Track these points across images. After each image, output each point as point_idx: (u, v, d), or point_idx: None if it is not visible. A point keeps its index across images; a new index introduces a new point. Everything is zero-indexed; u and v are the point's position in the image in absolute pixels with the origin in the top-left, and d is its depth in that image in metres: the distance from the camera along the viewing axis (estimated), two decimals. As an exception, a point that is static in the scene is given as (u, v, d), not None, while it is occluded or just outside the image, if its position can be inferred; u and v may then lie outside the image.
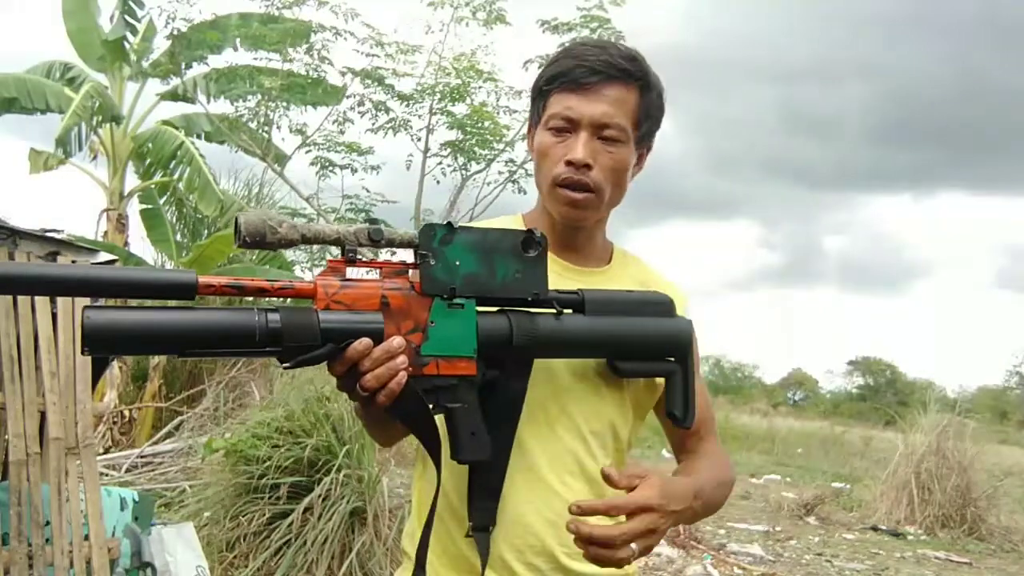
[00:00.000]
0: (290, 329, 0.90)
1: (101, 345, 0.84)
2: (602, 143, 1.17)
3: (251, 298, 0.96)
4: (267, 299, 0.95)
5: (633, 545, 1.02)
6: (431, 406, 1.02)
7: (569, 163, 1.16)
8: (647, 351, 1.18)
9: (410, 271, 1.01)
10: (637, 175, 1.27)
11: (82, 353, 0.87)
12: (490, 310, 1.05)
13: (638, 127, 1.20)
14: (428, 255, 1.00)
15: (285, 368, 0.92)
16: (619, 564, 1.03)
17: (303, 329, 0.91)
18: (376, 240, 0.96)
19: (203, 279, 0.88)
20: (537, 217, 1.28)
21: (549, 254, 1.24)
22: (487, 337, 1.04)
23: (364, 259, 0.98)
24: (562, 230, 1.25)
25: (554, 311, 1.09)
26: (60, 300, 3.06)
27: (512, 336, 1.05)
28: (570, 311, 1.11)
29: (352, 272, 0.97)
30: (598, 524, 1.03)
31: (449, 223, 1.03)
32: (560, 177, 1.17)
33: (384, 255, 1.04)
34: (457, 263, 1.02)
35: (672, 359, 1.19)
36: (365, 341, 0.93)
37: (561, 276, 1.23)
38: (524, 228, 1.27)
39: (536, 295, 1.07)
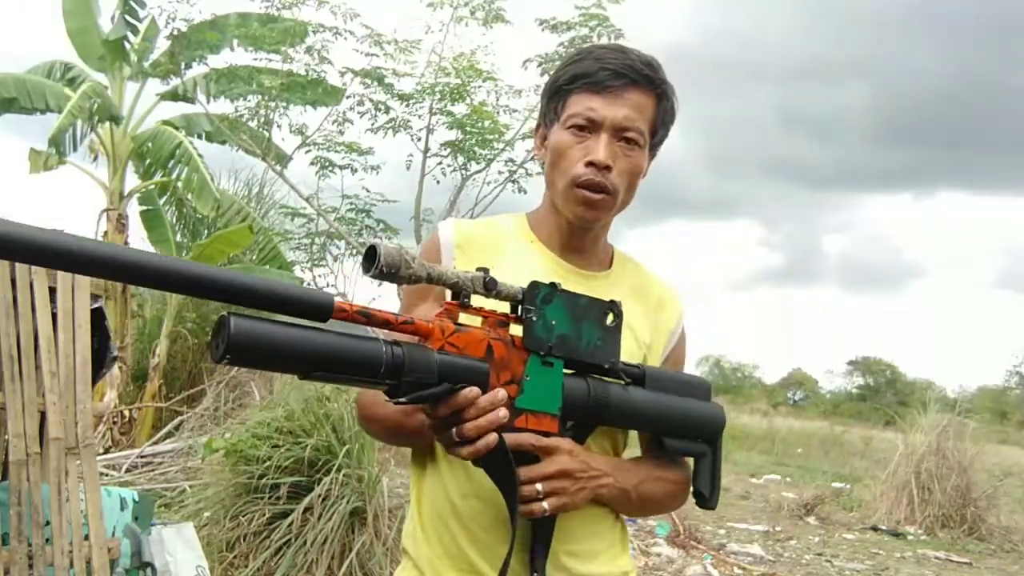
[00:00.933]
0: (412, 364, 0.91)
1: (244, 355, 0.83)
2: (621, 147, 1.19)
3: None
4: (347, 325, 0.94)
5: (539, 486, 1.05)
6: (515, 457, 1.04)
7: (590, 164, 1.17)
8: (688, 431, 1.23)
9: (511, 324, 1.04)
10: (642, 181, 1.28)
11: (218, 360, 0.82)
12: (568, 372, 1.08)
13: (654, 134, 1.23)
14: (532, 311, 1.03)
15: (396, 403, 0.93)
16: (525, 501, 1.05)
17: (423, 366, 0.92)
18: (489, 290, 0.99)
19: (338, 303, 0.88)
20: (543, 216, 1.29)
21: (554, 255, 1.27)
22: (569, 399, 1.08)
23: (474, 306, 1.01)
24: (569, 231, 1.25)
25: (622, 381, 1.13)
26: (60, 300, 3.06)
27: (588, 399, 1.09)
28: (629, 382, 1.16)
29: (463, 317, 1.00)
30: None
31: (553, 283, 1.06)
32: (580, 178, 1.18)
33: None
34: (554, 323, 1.05)
35: (705, 441, 1.25)
36: (475, 389, 0.95)
37: (566, 279, 1.23)
38: (529, 227, 1.30)
39: (612, 364, 1.11)
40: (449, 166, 6.69)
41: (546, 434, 1.06)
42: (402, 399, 0.92)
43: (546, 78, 5.98)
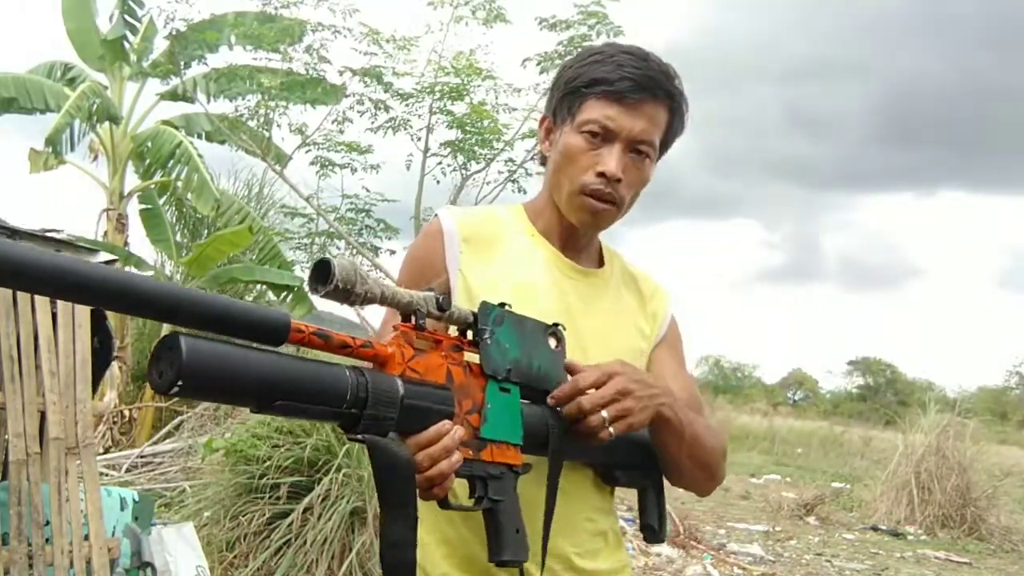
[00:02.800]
0: (376, 395, 0.82)
1: (198, 384, 0.71)
2: (631, 157, 1.17)
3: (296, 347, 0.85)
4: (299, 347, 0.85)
5: (604, 413, 1.01)
6: (479, 498, 0.97)
7: (601, 174, 1.16)
8: (636, 462, 1.18)
9: (464, 350, 0.97)
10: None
11: (163, 392, 0.70)
12: (523, 402, 1.02)
13: (664, 145, 1.22)
14: (486, 334, 0.97)
15: (349, 439, 0.85)
16: (594, 432, 1.01)
17: (387, 396, 0.84)
18: (443, 310, 0.92)
19: (294, 324, 0.78)
20: (541, 209, 1.27)
21: (556, 252, 1.25)
22: (529, 427, 1.01)
23: (429, 331, 0.93)
24: (570, 230, 1.24)
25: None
26: (60, 300, 3.06)
27: (549, 431, 1.02)
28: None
29: (418, 342, 0.93)
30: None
31: (501, 303, 1.00)
32: (589, 187, 1.17)
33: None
34: (507, 346, 0.99)
35: (650, 473, 1.21)
36: (440, 427, 0.88)
37: (570, 278, 1.24)
38: (526, 219, 1.28)
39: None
40: (449, 166, 6.69)
41: (511, 467, 0.98)
42: (354, 436, 0.83)
43: (545, 77, 5.95)
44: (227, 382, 0.73)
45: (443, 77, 6.42)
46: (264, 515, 3.95)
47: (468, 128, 6.46)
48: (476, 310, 0.98)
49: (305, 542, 3.82)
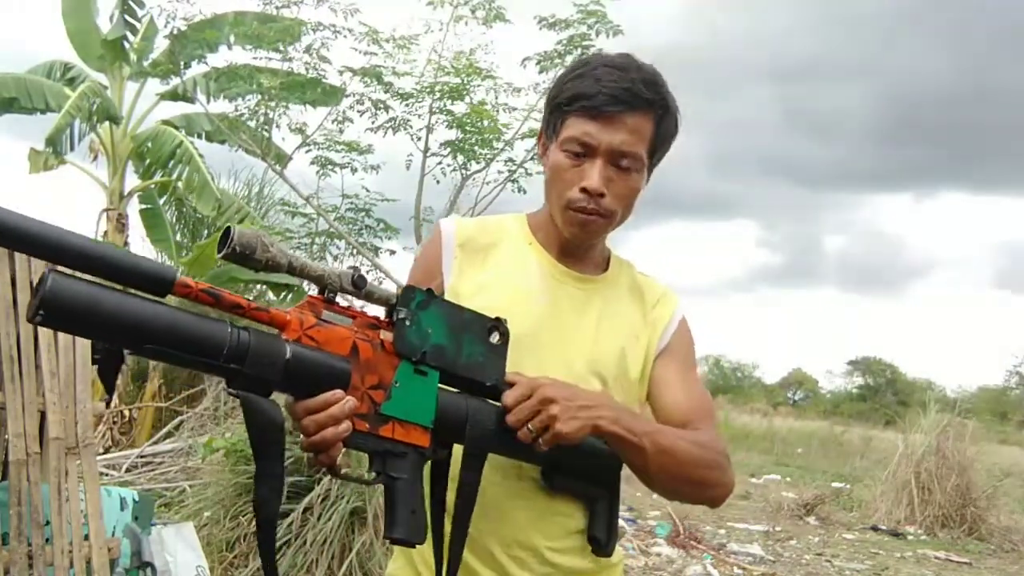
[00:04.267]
0: (257, 353, 0.85)
1: (59, 316, 0.76)
2: (616, 171, 1.18)
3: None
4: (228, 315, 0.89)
5: (530, 426, 1.03)
6: (376, 473, 0.99)
7: (584, 190, 1.17)
8: (585, 470, 1.17)
9: (382, 330, 0.98)
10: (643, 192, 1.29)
11: (30, 319, 0.76)
12: (449, 389, 1.03)
13: (652, 154, 1.22)
14: (405, 316, 0.98)
15: (230, 394, 0.87)
16: (523, 440, 1.04)
17: (269, 357, 0.86)
18: (359, 287, 0.94)
19: (181, 279, 0.82)
20: (543, 221, 1.29)
21: (551, 257, 1.27)
22: (444, 414, 1.01)
23: (341, 304, 0.96)
24: (568, 241, 1.26)
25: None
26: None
27: (467, 423, 1.03)
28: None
29: (328, 314, 0.94)
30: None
31: (429, 290, 1.02)
32: (574, 203, 1.19)
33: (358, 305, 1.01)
34: (429, 331, 1.00)
35: (602, 484, 1.19)
36: (329, 399, 0.90)
37: (565, 284, 1.26)
38: (529, 229, 1.30)
39: (495, 383, 1.06)
40: (449, 166, 6.67)
41: (416, 448, 0.99)
42: (234, 391, 0.86)
43: (545, 77, 5.94)
44: (92, 318, 0.77)
45: (443, 77, 6.42)
46: (264, 515, 3.94)
47: (468, 128, 6.45)
48: (399, 291, 0.99)
49: (305, 542, 3.81)
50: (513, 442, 1.06)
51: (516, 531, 1.17)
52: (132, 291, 0.81)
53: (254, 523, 4.03)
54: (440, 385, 1.02)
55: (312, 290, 0.96)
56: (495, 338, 1.06)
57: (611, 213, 1.20)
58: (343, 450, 0.93)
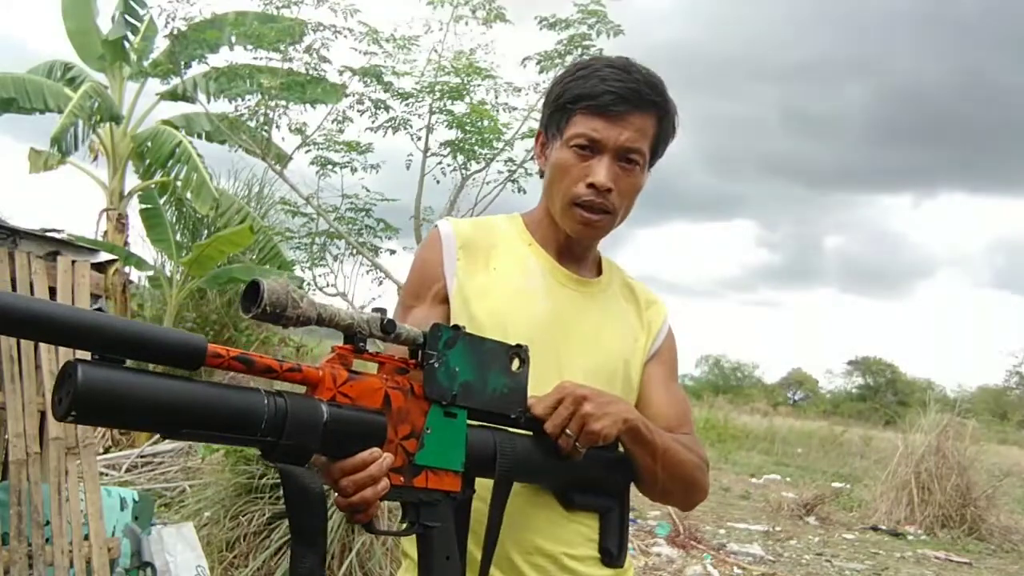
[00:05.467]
0: (295, 421, 0.81)
1: (95, 411, 0.71)
2: (621, 168, 1.20)
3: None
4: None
5: (568, 430, 1.04)
6: (411, 523, 0.97)
7: (591, 186, 1.19)
8: (599, 484, 1.17)
9: (410, 370, 0.96)
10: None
11: (61, 419, 0.71)
12: (473, 423, 1.01)
13: (654, 153, 1.25)
14: (434, 357, 0.95)
15: (268, 464, 0.84)
16: (568, 454, 1.06)
17: (307, 423, 0.82)
18: (388, 332, 0.91)
19: (211, 349, 0.77)
20: (539, 220, 1.30)
21: (553, 261, 1.27)
22: (474, 453, 0.99)
23: (369, 351, 0.92)
24: (567, 241, 1.27)
25: (530, 432, 1.06)
26: (60, 300, 3.06)
27: (496, 457, 1.01)
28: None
29: (357, 363, 0.91)
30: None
31: (456, 326, 0.99)
32: (580, 198, 1.20)
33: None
34: (457, 370, 0.98)
35: (612, 496, 1.20)
36: (367, 458, 0.87)
37: (566, 287, 1.27)
38: (524, 229, 1.30)
39: (520, 412, 1.05)
40: (449, 165, 6.67)
41: (448, 494, 0.97)
42: (272, 461, 0.82)
43: (545, 76, 5.93)
44: (126, 410, 0.72)
45: (443, 77, 6.42)
46: (264, 515, 3.95)
47: (468, 128, 6.45)
48: (427, 331, 0.96)
49: (305, 542, 3.81)
50: (539, 468, 1.07)
51: (536, 538, 1.17)
52: (161, 370, 0.77)
53: (256, 523, 4.03)
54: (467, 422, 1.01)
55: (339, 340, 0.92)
56: (515, 366, 1.04)
57: (616, 210, 1.21)
58: (380, 506, 0.91)
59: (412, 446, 0.93)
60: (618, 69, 1.20)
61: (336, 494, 0.89)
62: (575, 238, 1.26)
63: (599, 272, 1.33)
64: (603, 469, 1.16)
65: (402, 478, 0.92)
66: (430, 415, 0.95)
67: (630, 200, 1.24)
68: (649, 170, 1.28)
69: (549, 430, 1.04)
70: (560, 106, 1.23)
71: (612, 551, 1.20)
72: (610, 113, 1.18)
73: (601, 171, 1.18)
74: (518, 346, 1.06)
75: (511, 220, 1.33)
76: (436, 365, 0.96)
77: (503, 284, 1.23)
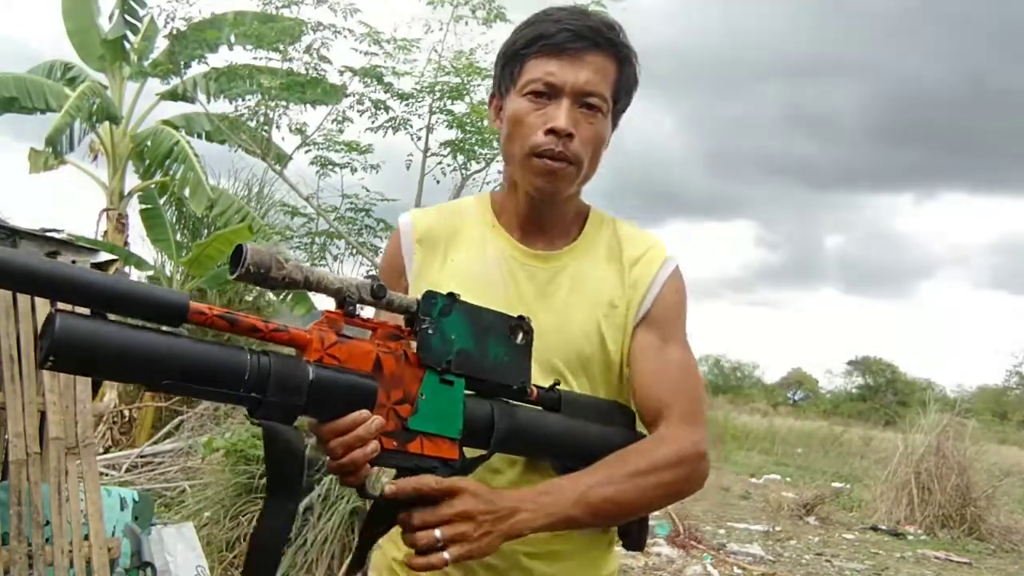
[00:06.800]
0: (279, 379, 0.81)
1: (71, 360, 0.73)
2: (582, 113, 1.10)
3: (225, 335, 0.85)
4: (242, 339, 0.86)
5: (437, 533, 0.92)
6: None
7: (551, 131, 1.09)
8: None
9: (403, 339, 0.95)
10: (605, 152, 1.19)
11: (40, 366, 0.74)
12: (470, 393, 0.99)
13: (616, 100, 1.15)
14: (427, 325, 0.94)
15: (252, 423, 0.84)
16: (420, 549, 0.93)
17: (292, 382, 0.82)
18: (378, 297, 0.90)
19: (194, 306, 0.78)
20: (505, 197, 1.22)
21: (513, 240, 1.19)
22: (470, 421, 0.97)
23: (361, 317, 0.92)
24: (528, 207, 1.18)
25: (529, 404, 1.04)
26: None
27: (493, 426, 0.99)
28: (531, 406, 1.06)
29: (348, 329, 0.91)
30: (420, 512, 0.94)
31: (452, 294, 0.97)
32: (540, 147, 1.10)
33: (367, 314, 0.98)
34: (453, 337, 0.96)
35: None
36: (356, 419, 0.87)
37: (527, 266, 1.17)
38: (491, 209, 1.22)
39: (522, 384, 1.02)
40: (449, 165, 6.67)
41: (445, 462, 0.95)
42: (257, 419, 0.82)
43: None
44: (103, 359, 0.74)
45: (443, 77, 6.42)
46: (264, 515, 3.95)
47: (468, 128, 6.45)
48: (420, 299, 0.95)
49: (305, 542, 3.82)
50: (539, 440, 1.03)
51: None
52: (145, 324, 0.78)
53: (254, 523, 4.04)
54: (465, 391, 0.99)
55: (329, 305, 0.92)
56: (519, 338, 1.02)
57: (579, 159, 1.11)
58: (371, 470, 0.90)
59: (405, 411, 0.92)
60: (573, 11, 1.13)
61: (327, 457, 0.89)
62: (538, 199, 1.16)
63: (576, 238, 1.21)
64: (612, 442, 1.10)
65: (395, 442, 0.91)
66: (425, 381, 0.94)
67: (594, 150, 1.13)
68: (615, 125, 1.18)
69: (415, 521, 0.93)
70: (512, 54, 1.14)
71: (632, 531, 1.14)
72: (566, 52, 1.09)
73: (560, 115, 1.08)
74: (520, 318, 1.03)
75: (479, 200, 1.26)
76: (431, 331, 0.94)
77: (459, 277, 1.16)
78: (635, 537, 1.16)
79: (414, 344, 0.95)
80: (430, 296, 0.95)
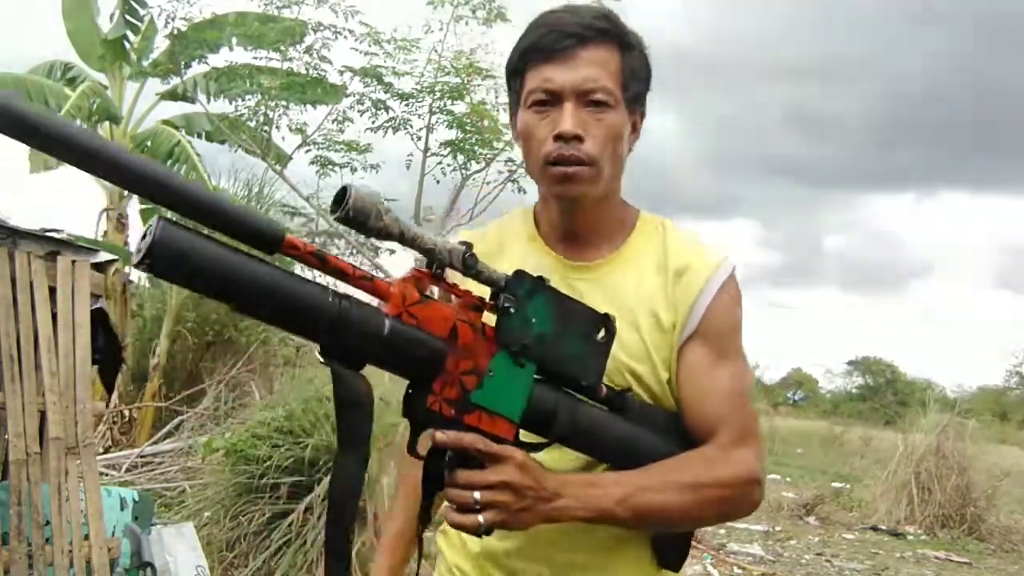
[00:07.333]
0: (355, 324, 0.83)
1: (166, 265, 0.75)
2: (589, 112, 1.06)
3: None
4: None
5: (476, 495, 0.91)
6: (449, 458, 0.94)
7: (558, 137, 1.05)
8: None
9: (485, 312, 0.94)
10: (635, 143, 1.15)
11: (136, 265, 0.76)
12: (539, 379, 0.97)
13: (625, 88, 1.09)
14: (510, 304, 0.93)
15: (321, 363, 0.85)
16: (459, 514, 0.92)
17: (366, 330, 0.83)
18: (468, 267, 0.90)
19: (290, 238, 0.80)
20: (541, 208, 1.18)
21: (552, 252, 1.15)
22: (533, 408, 0.96)
23: (448, 281, 0.92)
24: (561, 216, 1.14)
25: (598, 405, 1.02)
26: (60, 300, 3.06)
27: (555, 419, 0.98)
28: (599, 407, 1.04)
29: (432, 290, 0.91)
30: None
31: (540, 277, 0.95)
32: (551, 155, 1.06)
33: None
34: (533, 320, 0.94)
35: None
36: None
37: (558, 274, 1.11)
38: (531, 221, 1.19)
39: (592, 383, 1.00)
40: (449, 165, 6.68)
41: (498, 440, 0.93)
42: (326, 360, 0.84)
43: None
44: (196, 269, 0.76)
45: (443, 77, 6.42)
46: (264, 515, 3.95)
47: (468, 128, 6.45)
48: (509, 276, 0.94)
49: (305, 542, 3.82)
50: (600, 441, 1.02)
51: (543, 541, 1.08)
52: (240, 246, 0.80)
53: (256, 523, 4.03)
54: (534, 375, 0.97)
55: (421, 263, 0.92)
56: (600, 335, 1.00)
57: (594, 160, 1.06)
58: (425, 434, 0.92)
59: (471, 383, 0.92)
60: (563, 12, 1.08)
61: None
62: (567, 208, 1.12)
63: (621, 246, 1.15)
64: (674, 449, 1.06)
65: (454, 411, 0.91)
66: (496, 358, 0.93)
67: (613, 145, 1.08)
68: (637, 117, 1.13)
69: (460, 479, 0.92)
70: (513, 70, 1.12)
71: (671, 551, 1.12)
72: (559, 53, 1.05)
73: (565, 119, 1.04)
74: (605, 315, 1.00)
75: (524, 214, 1.22)
76: (512, 310, 0.93)
77: None
78: (674, 556, 1.13)
79: (493, 320, 0.94)
80: (519, 275, 0.94)
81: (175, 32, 6.74)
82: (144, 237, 0.76)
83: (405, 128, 6.54)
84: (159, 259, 0.75)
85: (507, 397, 0.94)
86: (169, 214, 0.80)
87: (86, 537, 2.98)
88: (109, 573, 3.00)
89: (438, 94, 6.39)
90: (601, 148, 1.06)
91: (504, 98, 6.68)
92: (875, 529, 7.82)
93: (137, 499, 3.32)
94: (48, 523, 2.90)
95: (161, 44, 8.21)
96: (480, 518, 0.91)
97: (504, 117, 6.58)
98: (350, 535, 0.89)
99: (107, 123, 8.37)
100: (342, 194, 0.82)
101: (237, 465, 4.15)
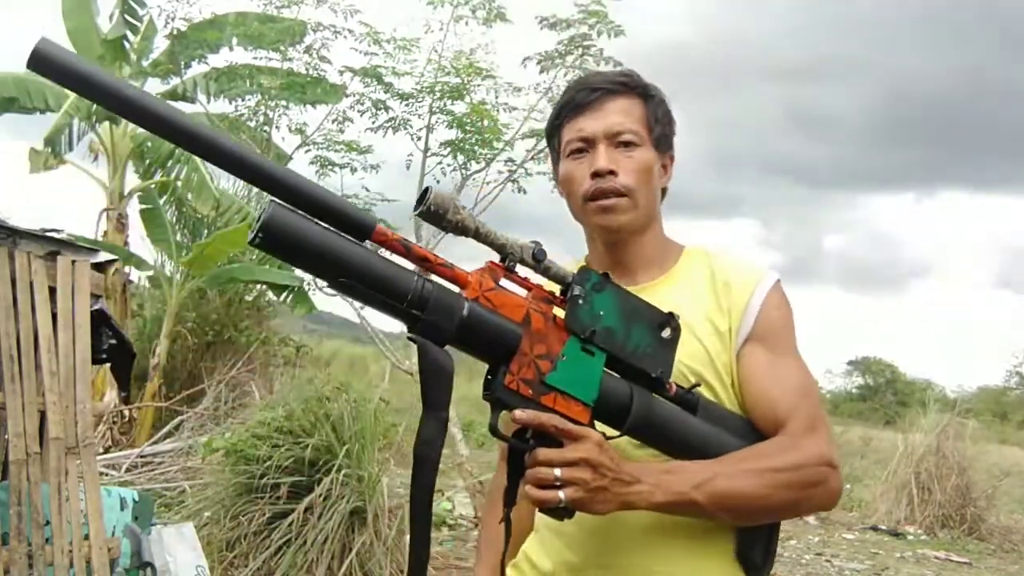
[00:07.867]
0: (438, 304, 0.91)
1: (275, 240, 0.86)
2: (620, 151, 1.19)
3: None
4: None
5: (557, 471, 0.94)
6: (529, 440, 0.98)
7: (595, 175, 1.18)
8: None
9: (555, 305, 1.00)
10: (667, 182, 1.27)
11: (249, 241, 0.86)
12: (612, 374, 1.02)
13: (650, 130, 1.22)
14: (579, 294, 1.00)
15: (408, 338, 0.93)
16: (539, 490, 0.95)
17: (448, 310, 0.92)
18: (538, 261, 0.97)
19: (380, 227, 0.90)
20: (589, 253, 1.30)
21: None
22: (607, 396, 1.00)
23: (520, 275, 0.99)
24: (609, 251, 1.24)
25: (666, 399, 1.05)
26: (60, 300, 3.06)
27: (631, 408, 1.01)
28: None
29: (506, 282, 0.98)
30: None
31: (606, 273, 1.03)
32: (589, 191, 1.18)
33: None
34: (601, 313, 1.01)
35: None
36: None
37: None
38: (588, 268, 1.21)
39: (662, 374, 1.04)
40: (449, 165, 6.67)
41: (574, 423, 0.97)
42: (413, 336, 0.92)
43: (545, 76, 5.93)
44: (302, 245, 0.87)
45: (443, 77, 6.42)
46: (264, 515, 3.95)
47: (468, 128, 6.45)
48: (576, 272, 1.01)
49: (305, 542, 3.82)
50: (673, 435, 1.05)
51: (618, 548, 1.12)
52: (336, 231, 0.90)
53: (256, 523, 4.03)
54: (605, 368, 1.01)
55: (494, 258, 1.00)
56: (666, 332, 1.05)
57: (630, 190, 1.18)
58: (501, 412, 0.97)
59: (546, 366, 0.97)
60: (591, 73, 1.29)
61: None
62: (613, 241, 1.22)
63: (666, 272, 1.24)
64: (745, 446, 1.09)
65: (530, 390, 0.96)
66: (568, 344, 0.98)
67: (645, 177, 1.19)
68: (665, 153, 1.24)
69: (540, 457, 0.95)
70: (551, 128, 1.27)
71: (756, 559, 1.12)
72: (588, 106, 1.20)
73: (598, 157, 1.18)
74: (669, 314, 1.05)
75: (574, 263, 1.27)
76: (581, 301, 0.99)
77: None
78: (758, 560, 1.13)
79: (563, 313, 1.00)
80: (585, 270, 1.01)
81: (175, 32, 6.74)
82: (258, 218, 0.86)
83: (405, 128, 6.54)
84: (270, 235, 0.85)
85: (581, 381, 0.99)
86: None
87: (86, 537, 2.98)
88: (109, 573, 3.00)
89: (438, 94, 6.38)
90: (635, 180, 1.18)
91: (504, 98, 6.68)
92: (875, 529, 7.83)
93: (137, 499, 3.32)
94: (48, 523, 2.90)
95: (161, 44, 8.22)
96: (560, 494, 0.94)
97: (504, 117, 6.59)
98: (431, 489, 0.95)
99: (107, 123, 8.37)
100: (424, 193, 0.91)
101: (237, 465, 4.15)
